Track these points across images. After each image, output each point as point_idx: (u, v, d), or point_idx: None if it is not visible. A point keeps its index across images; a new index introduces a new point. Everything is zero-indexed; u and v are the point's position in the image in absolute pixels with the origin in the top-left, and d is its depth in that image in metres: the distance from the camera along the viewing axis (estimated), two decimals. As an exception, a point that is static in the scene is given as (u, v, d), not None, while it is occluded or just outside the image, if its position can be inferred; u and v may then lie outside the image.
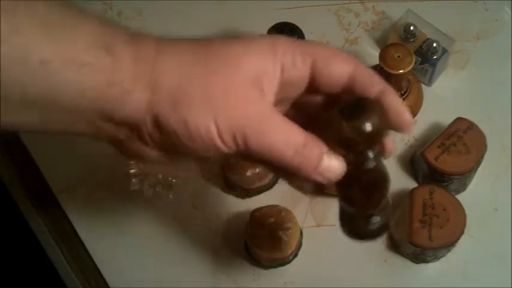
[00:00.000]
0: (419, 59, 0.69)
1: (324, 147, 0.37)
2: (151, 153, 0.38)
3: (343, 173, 0.37)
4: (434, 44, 0.68)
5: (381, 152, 0.38)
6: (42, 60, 0.31)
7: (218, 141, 0.35)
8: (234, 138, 0.35)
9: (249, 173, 0.63)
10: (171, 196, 0.66)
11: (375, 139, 0.36)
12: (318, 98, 0.40)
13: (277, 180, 0.68)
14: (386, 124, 0.37)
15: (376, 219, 0.40)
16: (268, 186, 0.67)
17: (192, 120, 0.34)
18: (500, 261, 0.63)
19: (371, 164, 0.38)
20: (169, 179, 0.65)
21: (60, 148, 0.71)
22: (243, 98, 0.35)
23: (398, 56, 0.62)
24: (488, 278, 0.63)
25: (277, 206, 0.62)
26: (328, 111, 0.39)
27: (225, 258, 0.65)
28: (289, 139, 0.36)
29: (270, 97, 0.37)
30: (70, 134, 0.37)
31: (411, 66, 0.62)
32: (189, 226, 0.66)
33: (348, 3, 0.77)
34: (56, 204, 0.68)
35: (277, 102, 0.38)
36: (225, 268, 0.64)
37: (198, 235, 0.66)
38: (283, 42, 0.37)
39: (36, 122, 0.35)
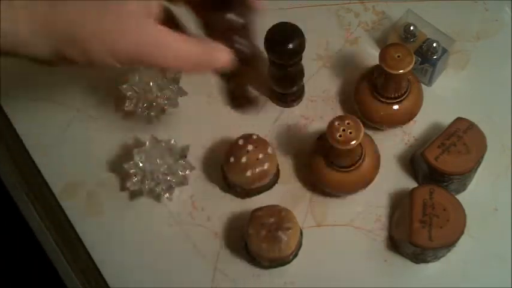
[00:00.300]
0: (419, 59, 0.69)
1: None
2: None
3: None
4: (434, 44, 0.68)
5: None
6: None
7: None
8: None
9: (249, 173, 0.63)
10: (171, 196, 0.66)
11: None
12: None
13: (277, 180, 0.68)
14: None
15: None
16: (268, 186, 0.67)
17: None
18: (500, 261, 0.63)
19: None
20: (169, 179, 0.65)
21: (60, 148, 0.71)
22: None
23: (398, 56, 0.61)
24: (488, 278, 0.63)
25: (277, 206, 0.62)
26: None
27: (225, 258, 0.65)
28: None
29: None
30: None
31: (411, 66, 0.62)
32: (189, 226, 0.66)
33: (348, 3, 0.77)
34: (56, 205, 0.69)
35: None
36: (225, 268, 0.64)
37: (198, 235, 0.66)
38: None
39: None
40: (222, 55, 0.48)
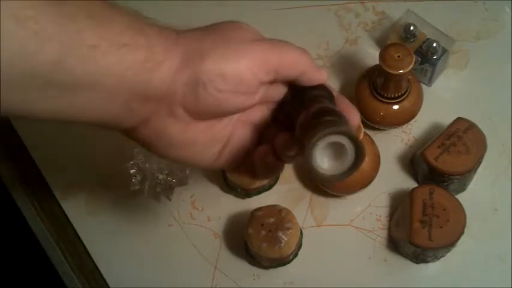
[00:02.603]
0: (419, 59, 0.69)
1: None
2: (175, 128, 0.40)
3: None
4: (434, 44, 0.68)
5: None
6: (93, 45, 0.34)
7: (258, 75, 0.39)
8: (266, 69, 0.39)
9: (249, 173, 0.63)
10: (171, 196, 0.66)
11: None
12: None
13: (277, 180, 0.68)
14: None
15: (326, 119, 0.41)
16: (268, 186, 0.67)
17: (227, 67, 0.38)
18: (500, 261, 0.63)
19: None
20: (169, 178, 0.65)
21: (60, 148, 0.71)
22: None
23: (399, 56, 0.61)
24: (488, 278, 0.63)
25: (277, 206, 0.62)
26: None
27: (225, 258, 0.65)
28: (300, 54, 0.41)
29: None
30: (94, 121, 0.40)
31: (411, 66, 0.62)
32: (189, 226, 0.66)
33: (348, 3, 0.77)
34: (56, 205, 0.69)
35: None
36: (225, 268, 0.64)
37: (198, 235, 0.66)
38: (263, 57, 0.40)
39: (66, 107, 0.36)
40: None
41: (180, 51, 0.38)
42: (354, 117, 0.42)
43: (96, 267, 0.65)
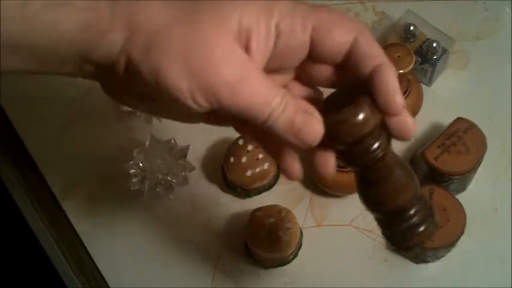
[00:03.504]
0: (419, 59, 0.69)
1: (301, 104, 0.35)
2: (127, 98, 0.38)
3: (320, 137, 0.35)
4: (434, 44, 0.68)
5: (385, 141, 0.36)
6: (23, 3, 0.31)
7: (188, 100, 0.34)
8: (207, 99, 0.34)
9: (249, 173, 0.63)
10: (171, 196, 0.66)
11: (362, 131, 0.35)
12: (324, 69, 0.38)
13: (277, 180, 0.68)
14: (375, 113, 0.35)
15: (413, 215, 0.37)
16: (268, 186, 0.67)
17: (163, 72, 0.33)
18: (500, 261, 0.63)
19: (376, 156, 0.36)
20: (169, 179, 0.65)
21: (60, 148, 0.71)
22: (223, 56, 0.34)
23: (398, 56, 0.61)
24: (488, 278, 0.63)
25: (277, 206, 0.62)
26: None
27: (225, 259, 0.65)
28: (266, 100, 0.34)
29: (257, 57, 0.35)
30: (56, 74, 0.37)
31: (411, 66, 0.62)
32: (189, 226, 0.66)
33: (348, 3, 0.77)
34: (56, 204, 0.68)
35: (274, 70, 0.37)
36: (225, 268, 0.64)
37: (198, 235, 0.66)
38: (283, 5, 0.35)
39: (18, 64, 0.34)
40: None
41: (129, 25, 0.34)
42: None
43: (96, 267, 0.65)
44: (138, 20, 0.34)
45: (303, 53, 0.37)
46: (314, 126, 0.35)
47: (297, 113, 0.35)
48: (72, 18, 0.33)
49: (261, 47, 0.35)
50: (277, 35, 0.35)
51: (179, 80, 0.33)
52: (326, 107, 0.37)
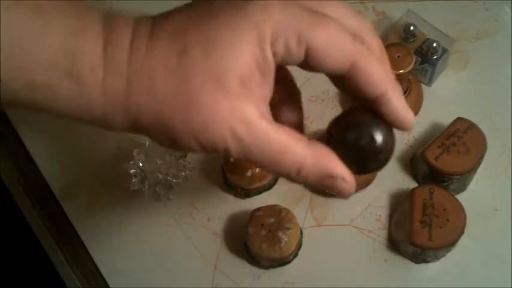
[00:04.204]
0: (419, 59, 0.69)
1: (322, 169, 0.35)
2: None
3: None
4: (434, 44, 0.68)
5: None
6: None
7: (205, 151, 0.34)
8: (223, 149, 0.33)
9: (249, 173, 0.63)
10: (171, 196, 0.66)
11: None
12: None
13: (277, 180, 0.68)
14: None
15: None
16: (268, 186, 0.67)
17: (177, 137, 0.33)
18: (500, 261, 0.63)
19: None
20: (169, 178, 0.65)
21: (60, 148, 0.71)
22: (230, 119, 0.32)
23: (398, 56, 0.61)
24: (488, 278, 0.63)
25: (277, 206, 0.62)
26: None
27: (225, 258, 0.65)
28: (291, 159, 0.34)
29: (266, 102, 0.34)
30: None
31: (411, 66, 0.62)
32: (189, 226, 0.66)
33: (348, 3, 0.77)
34: (56, 204, 0.68)
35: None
36: (225, 268, 0.64)
37: (198, 235, 0.66)
38: (274, 24, 0.32)
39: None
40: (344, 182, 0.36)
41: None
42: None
43: (96, 267, 0.65)
44: (135, 79, 0.33)
45: (297, 63, 0.35)
46: (342, 188, 0.36)
47: (322, 181, 0.35)
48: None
49: (262, 86, 0.33)
50: (273, 55, 0.33)
51: (190, 143, 0.33)
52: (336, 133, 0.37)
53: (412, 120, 0.36)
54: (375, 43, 0.36)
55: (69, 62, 0.32)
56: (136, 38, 0.33)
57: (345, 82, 0.35)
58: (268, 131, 0.33)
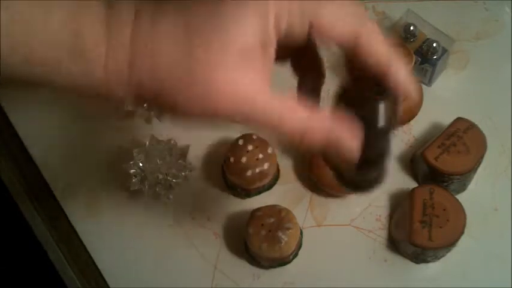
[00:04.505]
0: (419, 59, 0.69)
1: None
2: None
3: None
4: (434, 44, 0.68)
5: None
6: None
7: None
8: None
9: (249, 173, 0.63)
10: (171, 196, 0.66)
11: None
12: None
13: (277, 180, 0.68)
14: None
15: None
16: (268, 186, 0.67)
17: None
18: (500, 261, 0.63)
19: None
20: (169, 178, 0.65)
21: (60, 148, 0.71)
22: (230, 90, 0.34)
23: (398, 56, 0.61)
24: (488, 278, 0.63)
25: (277, 206, 0.62)
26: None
27: (225, 258, 0.65)
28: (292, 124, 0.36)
29: (265, 74, 0.36)
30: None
31: (411, 66, 0.62)
32: (189, 226, 0.66)
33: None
34: (56, 204, 0.68)
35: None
36: (225, 268, 0.64)
37: (198, 235, 0.66)
38: (277, 5, 0.34)
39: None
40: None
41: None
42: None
43: (96, 267, 0.65)
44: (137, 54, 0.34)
45: (301, 37, 0.37)
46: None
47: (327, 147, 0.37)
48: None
49: (265, 60, 0.35)
50: (276, 35, 0.35)
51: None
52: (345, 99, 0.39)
53: (416, 87, 0.39)
54: (376, 26, 0.38)
55: (72, 38, 0.33)
56: (140, 12, 0.34)
57: (354, 58, 0.37)
58: (265, 100, 0.35)
